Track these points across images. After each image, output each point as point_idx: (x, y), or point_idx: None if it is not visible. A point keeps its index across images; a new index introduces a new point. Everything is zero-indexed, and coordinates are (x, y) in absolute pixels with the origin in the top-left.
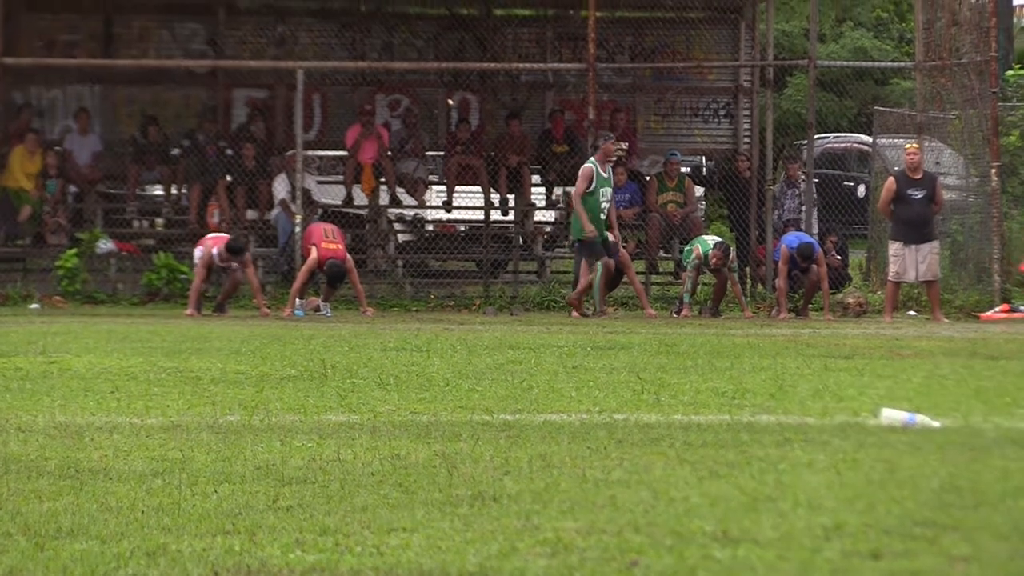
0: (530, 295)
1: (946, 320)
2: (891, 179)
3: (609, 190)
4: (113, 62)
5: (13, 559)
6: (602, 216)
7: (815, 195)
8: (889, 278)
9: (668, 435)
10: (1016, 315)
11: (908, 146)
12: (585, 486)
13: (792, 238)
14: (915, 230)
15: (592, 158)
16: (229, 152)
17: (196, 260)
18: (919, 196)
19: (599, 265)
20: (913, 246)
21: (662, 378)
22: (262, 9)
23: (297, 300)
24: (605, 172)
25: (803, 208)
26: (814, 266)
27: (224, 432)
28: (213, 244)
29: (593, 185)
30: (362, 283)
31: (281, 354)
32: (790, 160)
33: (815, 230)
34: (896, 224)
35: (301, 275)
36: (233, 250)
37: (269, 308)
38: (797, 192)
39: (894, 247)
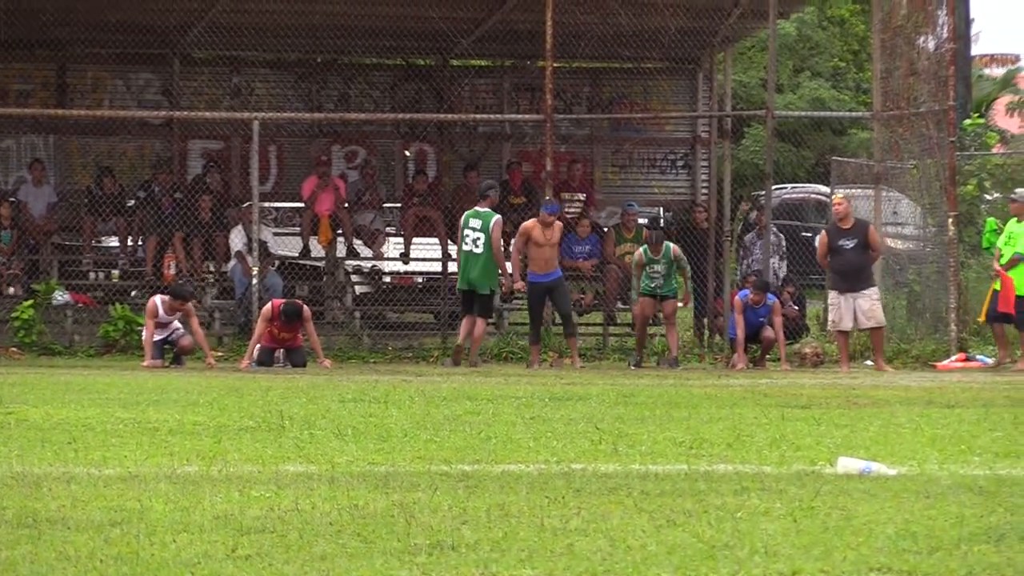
0: (488, 346)
1: (889, 369)
2: (823, 232)
3: None
4: (67, 112)
5: None
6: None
7: (784, 246)
8: (828, 328)
9: (626, 484)
10: (972, 364)
11: (834, 197)
12: (543, 535)
13: (747, 293)
14: (847, 279)
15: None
16: (185, 204)
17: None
18: (850, 245)
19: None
20: (849, 295)
21: (620, 428)
22: (217, 59)
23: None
24: None
25: (770, 257)
26: (769, 327)
27: (182, 482)
28: (158, 295)
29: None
30: (320, 335)
31: (239, 405)
32: (760, 210)
33: (773, 279)
34: (831, 274)
35: (259, 326)
36: (177, 295)
37: (215, 360)
38: (772, 242)
39: (831, 296)
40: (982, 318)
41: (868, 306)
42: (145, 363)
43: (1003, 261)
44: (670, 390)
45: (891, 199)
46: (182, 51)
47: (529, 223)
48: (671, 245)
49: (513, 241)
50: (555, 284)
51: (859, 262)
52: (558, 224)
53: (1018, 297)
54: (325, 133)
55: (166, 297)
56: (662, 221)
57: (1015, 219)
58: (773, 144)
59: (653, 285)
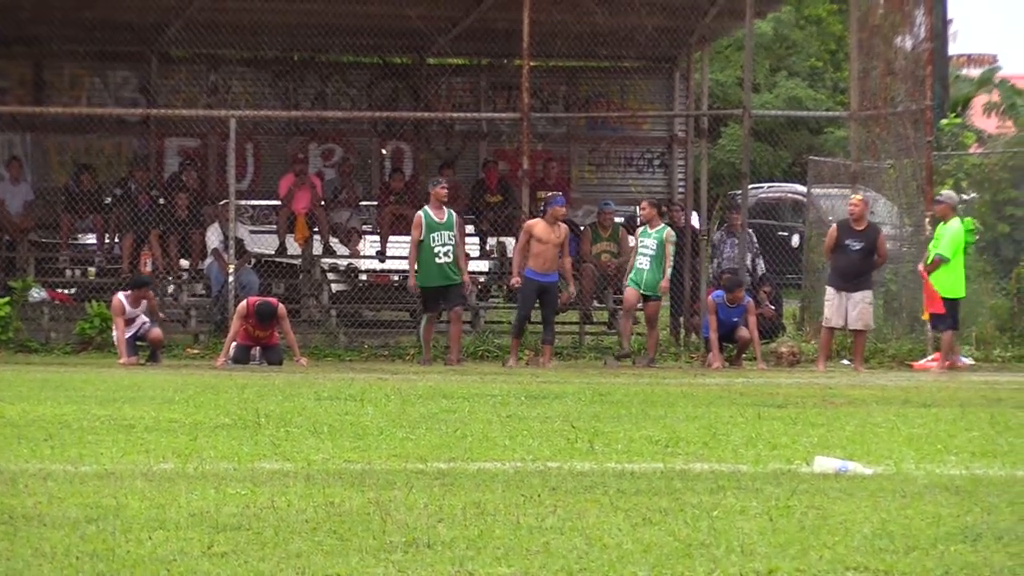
0: (464, 344)
1: (864, 371)
2: (834, 226)
3: (447, 233)
4: (44, 109)
5: None
6: (439, 261)
7: (756, 245)
8: (822, 323)
9: (602, 483)
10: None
11: (853, 196)
12: (519, 533)
13: (720, 294)
14: (846, 279)
15: (427, 206)
16: (162, 201)
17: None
18: (857, 247)
19: (424, 317)
20: (845, 293)
21: (596, 426)
22: (194, 57)
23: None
24: (439, 217)
25: (744, 257)
26: (744, 327)
27: (158, 479)
28: (119, 292)
29: (423, 232)
30: (296, 333)
31: (214, 403)
32: (731, 209)
33: (758, 276)
34: (831, 271)
35: (234, 323)
36: (137, 284)
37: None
38: (737, 241)
39: (828, 293)
40: (925, 316)
41: (860, 309)
42: (121, 361)
43: (928, 262)
44: (646, 388)
45: (868, 199)
46: (159, 49)
47: (533, 220)
48: (668, 228)
49: (516, 241)
50: (550, 287)
51: (862, 265)
52: (564, 227)
53: (941, 299)
54: (302, 131)
55: (128, 292)
56: (638, 220)
57: (941, 222)
58: (750, 143)
59: (639, 264)
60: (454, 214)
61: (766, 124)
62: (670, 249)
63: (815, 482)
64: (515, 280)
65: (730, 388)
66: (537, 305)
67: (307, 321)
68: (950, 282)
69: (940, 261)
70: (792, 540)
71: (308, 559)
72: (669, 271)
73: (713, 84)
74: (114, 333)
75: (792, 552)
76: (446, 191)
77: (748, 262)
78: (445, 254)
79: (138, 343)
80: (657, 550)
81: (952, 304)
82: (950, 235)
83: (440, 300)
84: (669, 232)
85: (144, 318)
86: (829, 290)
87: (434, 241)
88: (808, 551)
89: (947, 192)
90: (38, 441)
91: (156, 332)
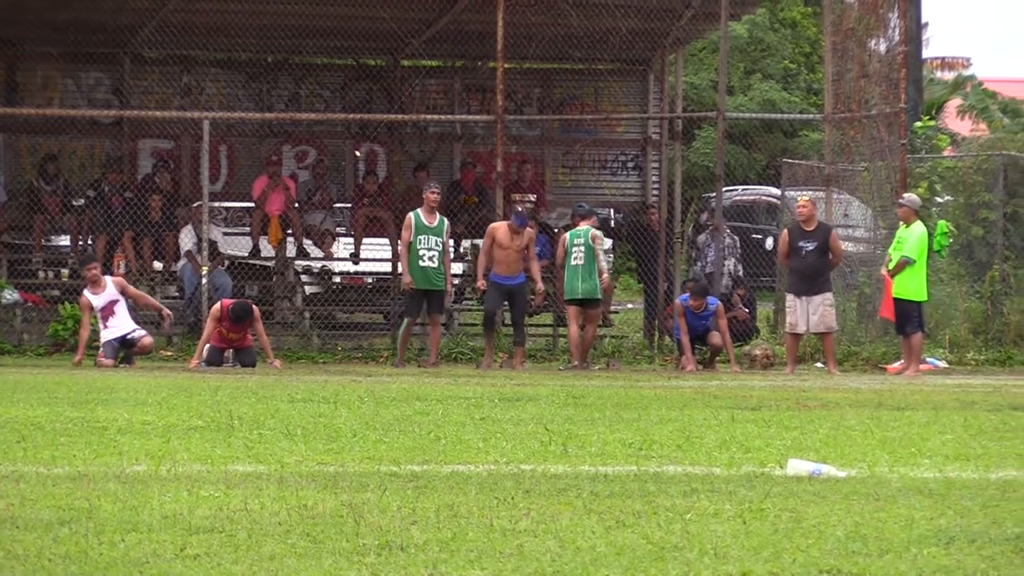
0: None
1: (838, 373)
2: (785, 231)
3: (435, 238)
4: (16, 110)
5: None
6: (423, 264)
7: (738, 248)
8: (786, 329)
9: (575, 485)
10: (923, 367)
11: (800, 198)
12: (492, 535)
13: (687, 297)
14: (804, 282)
15: (419, 208)
16: (135, 203)
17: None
18: (810, 248)
19: (404, 321)
20: (804, 298)
21: (569, 429)
22: (168, 59)
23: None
24: (429, 221)
25: (726, 260)
26: (715, 332)
27: (131, 482)
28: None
29: (413, 235)
30: (269, 335)
31: (188, 405)
32: (713, 212)
33: (728, 280)
34: (789, 276)
35: (208, 325)
36: (82, 263)
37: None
38: (721, 244)
39: (788, 299)
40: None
41: (820, 312)
42: (76, 358)
43: (891, 266)
44: (620, 391)
45: (842, 201)
46: (133, 50)
47: (496, 224)
48: (590, 229)
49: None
50: (516, 289)
51: (817, 265)
52: (528, 232)
53: (902, 301)
54: (276, 133)
55: (87, 286)
56: (612, 222)
57: (903, 224)
58: (724, 146)
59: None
60: (446, 221)
61: (740, 127)
62: (599, 251)
63: (788, 485)
64: (480, 283)
65: (704, 391)
66: (507, 308)
67: (281, 323)
68: (914, 285)
69: (906, 263)
70: (765, 543)
71: (281, 562)
72: (605, 276)
73: (687, 87)
74: (81, 332)
75: (765, 555)
76: (437, 196)
77: (731, 265)
78: (430, 259)
79: (121, 343)
80: (630, 553)
81: (916, 307)
82: (916, 238)
83: (422, 304)
84: (594, 233)
85: (135, 325)
86: (789, 296)
87: (420, 244)
88: (781, 554)
89: (909, 195)
90: (11, 443)
91: (146, 341)
